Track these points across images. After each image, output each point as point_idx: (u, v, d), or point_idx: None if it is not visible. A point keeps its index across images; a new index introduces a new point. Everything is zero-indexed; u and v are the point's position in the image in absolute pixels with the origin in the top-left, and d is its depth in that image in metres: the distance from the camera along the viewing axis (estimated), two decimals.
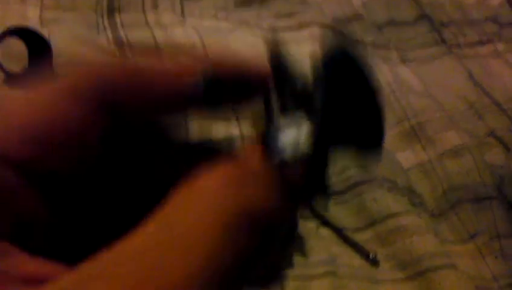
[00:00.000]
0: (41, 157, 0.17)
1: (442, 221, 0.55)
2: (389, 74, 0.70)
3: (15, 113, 0.18)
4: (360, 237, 0.52)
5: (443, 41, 0.86)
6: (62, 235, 0.19)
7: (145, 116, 0.21)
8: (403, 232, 0.50)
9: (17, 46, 0.61)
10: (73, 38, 0.66)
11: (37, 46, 0.62)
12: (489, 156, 0.62)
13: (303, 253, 0.48)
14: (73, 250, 0.18)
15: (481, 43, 0.89)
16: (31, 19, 0.70)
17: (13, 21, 0.64)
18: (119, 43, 0.70)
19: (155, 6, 0.77)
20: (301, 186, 0.22)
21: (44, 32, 0.64)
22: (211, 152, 0.26)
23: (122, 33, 0.71)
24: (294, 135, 0.22)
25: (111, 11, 0.74)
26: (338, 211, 0.54)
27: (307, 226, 0.51)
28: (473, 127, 0.69)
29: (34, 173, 0.17)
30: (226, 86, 0.22)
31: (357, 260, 0.50)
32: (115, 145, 0.20)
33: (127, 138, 0.21)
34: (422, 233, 0.50)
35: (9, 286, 0.16)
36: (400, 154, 0.62)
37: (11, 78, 0.60)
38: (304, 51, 0.26)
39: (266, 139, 0.22)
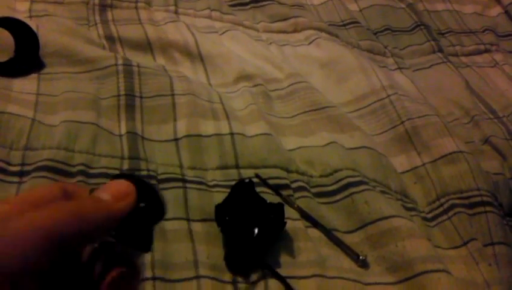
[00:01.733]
0: None
1: (435, 226, 0.54)
2: (384, 78, 0.69)
3: None
4: (351, 239, 0.50)
5: (440, 49, 0.85)
6: None
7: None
8: (395, 234, 0.48)
9: (4, 36, 0.60)
10: (62, 31, 0.65)
11: (24, 37, 0.60)
12: (485, 164, 0.61)
13: (291, 253, 0.47)
14: None
15: (478, 52, 0.88)
16: (20, 11, 0.69)
17: (1, 13, 0.63)
18: (110, 38, 0.69)
19: (148, 3, 0.76)
20: None
21: (33, 24, 0.62)
22: None
23: (113, 29, 0.70)
24: None
25: (103, 6, 0.73)
26: (328, 213, 0.52)
27: (296, 227, 0.49)
28: (469, 134, 0.67)
29: None
30: None
31: (346, 262, 0.48)
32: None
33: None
34: (415, 236, 0.48)
35: None
36: (394, 159, 0.61)
37: None
38: None
39: None
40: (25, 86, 0.58)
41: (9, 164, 0.48)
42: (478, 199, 0.55)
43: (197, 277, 0.43)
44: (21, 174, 0.48)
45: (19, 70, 0.59)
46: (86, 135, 0.52)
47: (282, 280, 0.43)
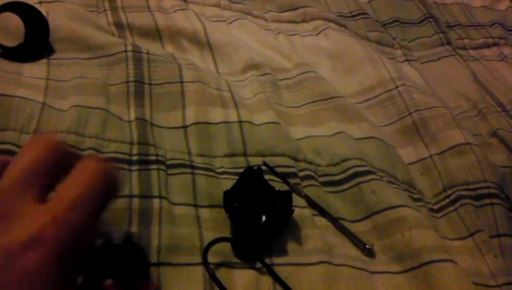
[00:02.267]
0: None
1: (441, 217, 0.54)
2: (393, 69, 0.69)
3: None
4: (357, 228, 0.50)
5: (448, 42, 0.85)
6: None
7: None
8: (402, 224, 0.48)
9: (14, 21, 0.60)
10: (72, 17, 0.65)
11: (34, 22, 0.60)
12: (492, 156, 0.61)
13: (298, 240, 0.47)
14: None
15: (487, 46, 0.88)
16: None
17: None
18: (119, 25, 0.69)
19: None
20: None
21: (43, 10, 0.62)
22: None
23: (122, 16, 0.70)
24: None
25: None
26: (336, 201, 0.52)
27: (303, 215, 0.49)
28: (476, 127, 0.67)
29: None
30: None
31: (352, 251, 0.48)
32: None
33: None
34: (422, 226, 0.48)
35: None
36: (401, 150, 0.61)
37: (8, 52, 0.59)
38: None
39: None
40: (34, 71, 0.58)
41: (19, 147, 0.48)
42: (485, 190, 0.55)
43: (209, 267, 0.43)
44: None
45: (28, 55, 0.60)
46: (96, 120, 0.52)
47: (277, 278, 0.43)
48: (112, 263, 0.36)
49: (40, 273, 0.24)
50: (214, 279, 0.41)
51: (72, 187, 0.28)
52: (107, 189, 0.30)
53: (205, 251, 0.42)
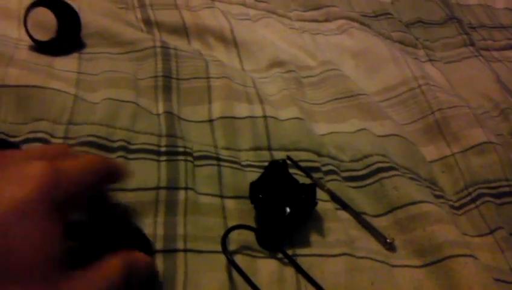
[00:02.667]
0: None
1: (462, 214, 0.55)
2: (416, 69, 0.70)
3: None
4: (379, 223, 0.51)
5: (471, 43, 0.85)
6: None
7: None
8: (424, 219, 0.49)
9: (48, 16, 0.62)
10: (103, 13, 0.67)
11: (67, 17, 0.62)
12: None
13: (320, 233, 0.48)
14: None
15: (510, 47, 0.88)
16: None
17: None
18: (147, 22, 0.71)
19: None
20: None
21: (75, 5, 0.64)
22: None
23: (150, 13, 0.72)
24: None
25: None
26: (358, 196, 0.53)
27: (326, 208, 0.50)
28: (498, 127, 0.68)
29: None
30: None
31: (374, 244, 0.49)
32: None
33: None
34: (444, 222, 0.49)
35: None
36: (423, 149, 0.62)
37: (41, 46, 0.61)
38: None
39: None
40: (66, 64, 0.60)
41: (52, 136, 0.50)
42: (506, 189, 0.56)
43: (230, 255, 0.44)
44: None
45: (60, 49, 0.62)
46: (126, 113, 0.54)
47: (298, 268, 0.45)
48: (113, 236, 0.38)
49: (32, 204, 0.28)
50: (232, 264, 0.42)
51: (72, 158, 0.33)
52: (103, 167, 0.35)
53: (224, 237, 0.43)
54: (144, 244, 0.41)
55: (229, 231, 0.44)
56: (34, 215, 0.27)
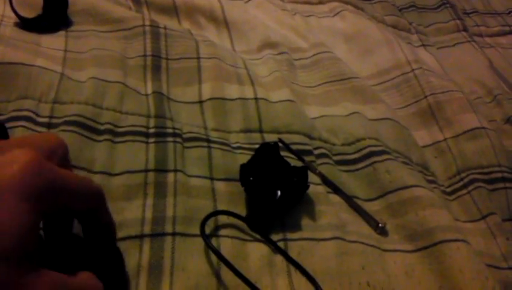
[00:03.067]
0: None
1: (454, 199, 0.54)
2: (409, 53, 0.69)
3: None
4: (371, 207, 0.50)
5: (465, 29, 0.85)
6: None
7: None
8: (416, 203, 0.48)
9: None
10: None
11: None
12: (506, 143, 0.61)
13: (312, 216, 0.47)
14: None
15: (503, 33, 0.87)
16: None
17: None
18: (136, 0, 0.69)
19: None
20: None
21: None
22: None
23: None
24: None
25: None
26: (350, 180, 0.53)
27: (317, 192, 0.49)
28: (491, 113, 0.67)
29: None
30: None
31: (366, 229, 0.48)
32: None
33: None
34: (436, 206, 0.48)
35: None
36: (415, 133, 0.61)
37: (26, 23, 0.59)
38: None
39: None
40: (52, 42, 0.58)
41: (37, 114, 0.49)
42: (499, 175, 0.55)
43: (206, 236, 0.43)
44: (49, 126, 0.48)
45: (46, 26, 0.60)
46: (113, 93, 0.52)
47: (286, 255, 0.44)
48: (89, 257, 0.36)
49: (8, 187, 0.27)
50: (210, 248, 0.41)
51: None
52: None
53: (204, 221, 0.42)
54: (118, 278, 0.39)
55: (209, 216, 0.43)
56: (7, 197, 0.26)
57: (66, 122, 0.48)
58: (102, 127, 0.49)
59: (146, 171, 0.47)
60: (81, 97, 0.51)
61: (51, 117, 0.49)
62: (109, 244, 0.38)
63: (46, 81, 0.51)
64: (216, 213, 0.44)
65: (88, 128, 0.48)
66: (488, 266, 0.46)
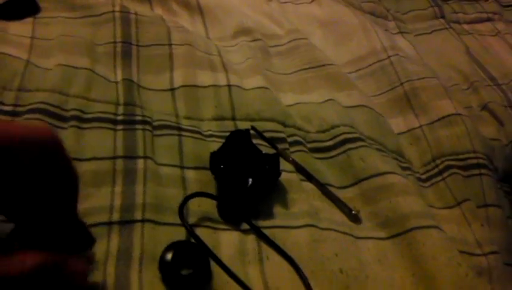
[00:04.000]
0: None
1: (429, 186, 0.54)
2: (385, 39, 0.68)
3: None
4: (345, 195, 0.50)
5: (442, 15, 0.84)
6: None
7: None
8: (389, 190, 0.48)
9: None
10: None
11: None
12: (482, 129, 0.61)
13: (284, 204, 0.46)
14: None
15: (480, 20, 0.87)
16: None
17: None
18: None
19: None
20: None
21: None
22: None
23: None
24: None
25: None
26: (324, 167, 0.52)
27: (290, 179, 0.48)
28: (467, 100, 0.67)
29: None
30: None
31: (339, 216, 0.48)
32: None
33: None
34: (409, 193, 0.48)
35: None
36: (391, 120, 0.61)
37: None
38: None
39: None
40: (20, 29, 0.57)
41: (2, 103, 0.47)
42: (474, 161, 0.55)
43: (188, 224, 0.43)
44: (13, 114, 0.47)
45: (14, 13, 0.58)
46: (81, 80, 0.51)
47: (263, 236, 0.43)
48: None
49: None
50: (191, 234, 0.40)
51: None
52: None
53: (181, 205, 0.41)
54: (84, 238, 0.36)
55: (187, 198, 0.42)
56: None
57: (31, 110, 0.46)
58: (68, 114, 0.48)
59: (114, 158, 0.45)
60: (47, 85, 0.49)
61: (15, 105, 0.47)
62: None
63: (11, 69, 0.50)
64: (193, 196, 0.43)
65: (54, 115, 0.47)
66: (462, 253, 0.46)
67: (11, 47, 0.53)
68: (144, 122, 0.49)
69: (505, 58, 0.78)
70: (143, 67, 0.56)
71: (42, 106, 0.47)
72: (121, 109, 0.50)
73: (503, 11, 0.90)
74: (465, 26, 0.85)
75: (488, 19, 0.88)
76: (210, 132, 0.52)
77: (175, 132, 0.50)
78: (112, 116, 0.49)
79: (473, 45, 0.80)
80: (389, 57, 0.66)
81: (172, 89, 0.55)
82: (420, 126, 0.59)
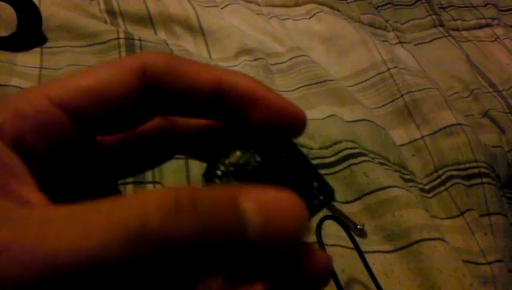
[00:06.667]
0: (91, 108, 0.21)
1: (432, 197, 0.55)
2: (385, 52, 0.69)
3: (78, 76, 0.21)
4: (349, 210, 0.51)
5: (441, 24, 0.85)
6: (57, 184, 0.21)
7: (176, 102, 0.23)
8: (393, 204, 0.49)
9: (6, 10, 0.60)
10: (64, 5, 0.65)
11: (26, 11, 0.60)
12: (483, 137, 0.62)
13: None
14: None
15: (479, 27, 0.88)
16: None
17: None
18: (111, 12, 0.69)
19: None
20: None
21: None
22: None
23: (114, 3, 0.70)
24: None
25: None
26: None
27: None
28: (468, 108, 0.68)
29: (82, 120, 0.21)
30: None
31: (344, 231, 0.49)
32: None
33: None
34: (412, 206, 0.49)
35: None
36: (393, 132, 0.62)
37: (0, 42, 0.59)
38: None
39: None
40: (28, 60, 0.58)
41: None
42: (475, 170, 0.56)
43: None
44: None
45: (21, 44, 0.60)
46: None
47: None
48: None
49: None
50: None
51: None
52: None
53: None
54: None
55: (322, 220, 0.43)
56: None
57: None
58: None
59: (124, 184, 0.47)
60: None
61: None
62: None
63: None
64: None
65: None
66: (467, 263, 0.47)
67: (20, 79, 0.54)
68: None
69: (505, 63, 0.79)
70: None
71: None
72: None
73: (501, 16, 0.91)
74: (464, 33, 0.86)
75: (487, 25, 0.89)
76: None
77: (181, 155, 0.51)
78: None
79: (473, 52, 0.81)
80: (388, 69, 0.67)
81: None
82: (422, 137, 0.61)
